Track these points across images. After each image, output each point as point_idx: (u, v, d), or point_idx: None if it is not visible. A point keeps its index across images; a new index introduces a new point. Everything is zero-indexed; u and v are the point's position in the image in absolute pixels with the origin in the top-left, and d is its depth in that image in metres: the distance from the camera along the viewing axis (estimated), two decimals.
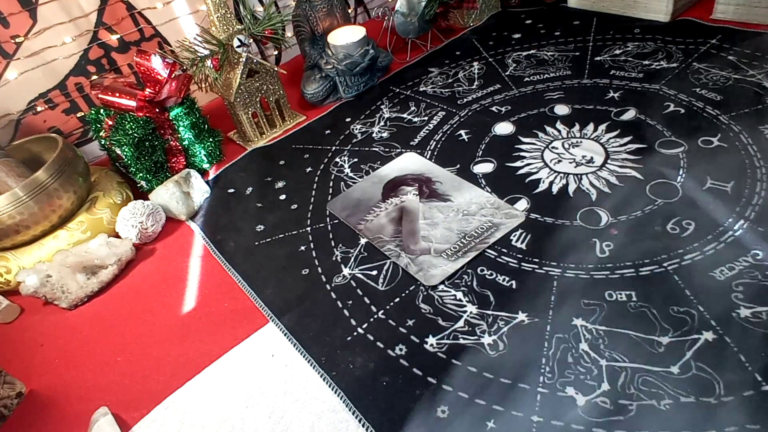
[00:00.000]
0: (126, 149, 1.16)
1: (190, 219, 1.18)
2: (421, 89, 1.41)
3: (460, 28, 1.66)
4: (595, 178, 0.99)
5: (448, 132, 1.23)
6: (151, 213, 1.12)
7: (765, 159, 0.93)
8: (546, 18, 1.58)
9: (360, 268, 0.95)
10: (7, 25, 1.23)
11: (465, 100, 1.32)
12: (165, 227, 1.17)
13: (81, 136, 1.44)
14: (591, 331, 0.74)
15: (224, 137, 1.40)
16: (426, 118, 1.29)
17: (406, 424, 0.69)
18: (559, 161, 1.05)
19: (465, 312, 0.82)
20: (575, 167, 1.03)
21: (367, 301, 0.88)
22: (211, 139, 1.32)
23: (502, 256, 0.89)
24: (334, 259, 0.98)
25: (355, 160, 1.22)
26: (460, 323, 0.80)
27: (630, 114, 1.12)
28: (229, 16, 1.22)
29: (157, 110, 1.23)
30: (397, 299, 0.87)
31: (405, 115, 1.32)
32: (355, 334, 0.83)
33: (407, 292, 0.88)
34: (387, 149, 1.23)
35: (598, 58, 1.32)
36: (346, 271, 0.95)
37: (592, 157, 1.04)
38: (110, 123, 1.20)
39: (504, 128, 1.19)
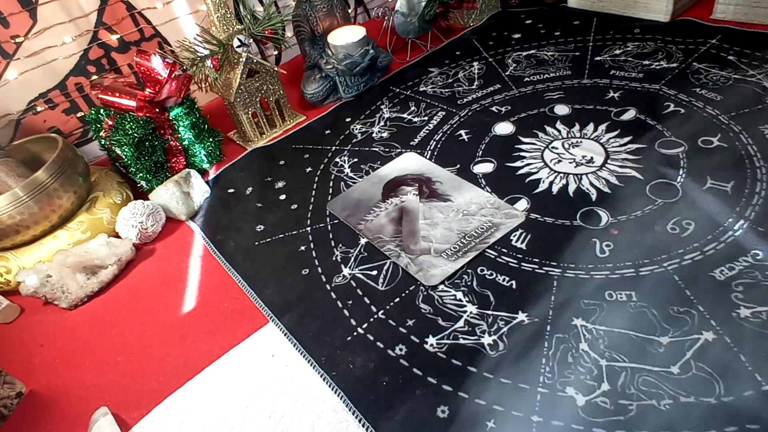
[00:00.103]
0: (126, 149, 1.16)
1: (190, 219, 1.18)
2: (421, 89, 1.40)
3: (460, 28, 1.66)
4: (595, 178, 0.99)
5: (448, 132, 1.23)
6: (151, 213, 1.12)
7: (765, 159, 0.93)
8: (546, 18, 1.58)
9: (360, 268, 0.95)
10: (7, 25, 1.23)
11: (465, 100, 1.31)
12: (165, 227, 1.17)
13: (81, 136, 1.44)
14: (591, 331, 0.74)
15: (224, 137, 1.40)
16: (426, 118, 1.29)
17: (406, 425, 0.69)
18: (559, 161, 1.05)
19: (465, 312, 0.82)
20: (575, 167, 1.03)
21: (367, 301, 0.88)
22: (211, 139, 1.32)
23: (502, 256, 0.89)
24: (334, 259, 0.98)
25: (355, 160, 1.22)
26: (460, 323, 0.80)
27: (630, 114, 1.12)
28: (229, 16, 1.22)
29: (157, 110, 1.23)
30: (397, 299, 0.87)
31: (405, 115, 1.32)
32: (355, 334, 0.83)
33: (407, 292, 0.88)
34: (387, 149, 1.23)
35: (598, 58, 1.32)
36: (346, 271, 0.95)
37: (592, 157, 1.04)
38: (110, 123, 1.20)
39: (504, 128, 1.19)
